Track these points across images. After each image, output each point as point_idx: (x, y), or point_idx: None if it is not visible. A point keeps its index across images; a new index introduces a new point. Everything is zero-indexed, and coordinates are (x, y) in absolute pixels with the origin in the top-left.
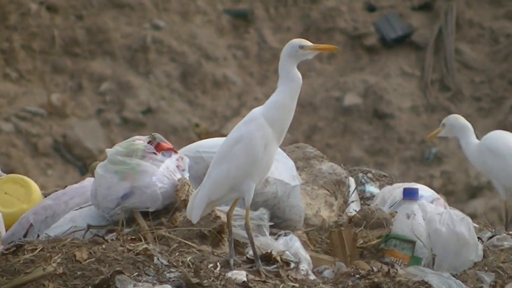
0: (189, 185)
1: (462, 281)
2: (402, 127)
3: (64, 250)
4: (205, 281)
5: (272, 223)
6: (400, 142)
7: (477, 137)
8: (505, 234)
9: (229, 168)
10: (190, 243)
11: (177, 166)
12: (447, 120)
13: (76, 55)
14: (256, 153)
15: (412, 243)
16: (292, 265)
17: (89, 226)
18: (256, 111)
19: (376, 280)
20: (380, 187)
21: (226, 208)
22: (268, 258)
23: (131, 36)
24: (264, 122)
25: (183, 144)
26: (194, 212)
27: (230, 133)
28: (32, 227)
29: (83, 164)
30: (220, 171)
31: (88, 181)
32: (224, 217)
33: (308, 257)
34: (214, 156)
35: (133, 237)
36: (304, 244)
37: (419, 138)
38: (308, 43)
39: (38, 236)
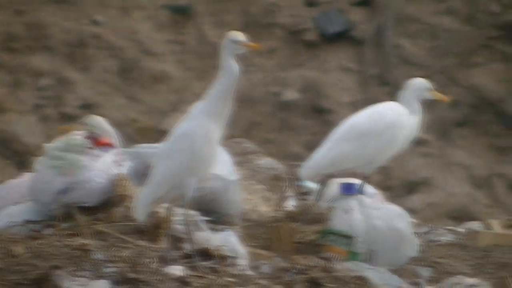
0: (127, 180)
1: (399, 276)
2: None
3: (1, 244)
4: (142, 276)
5: (210, 218)
6: None
7: None
8: (442, 230)
9: (171, 166)
10: (127, 238)
11: (114, 161)
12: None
13: (15, 50)
14: (197, 150)
15: (350, 238)
16: (230, 260)
17: (27, 221)
18: (197, 106)
19: (313, 275)
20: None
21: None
22: (205, 253)
23: (70, 31)
24: (204, 118)
25: (121, 139)
26: (140, 211)
27: (174, 129)
28: None
29: (22, 160)
30: (163, 169)
31: (27, 176)
32: (161, 212)
33: (246, 252)
34: (158, 154)
35: (70, 232)
36: (241, 239)
37: None
38: (240, 38)
39: None
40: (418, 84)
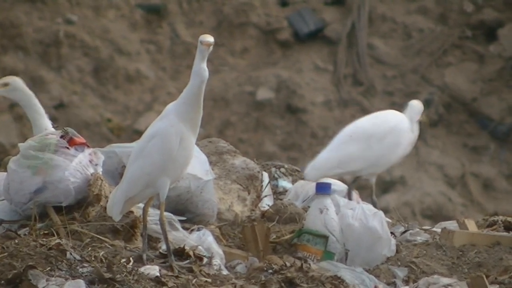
0: (102, 180)
1: (375, 276)
2: (314, 122)
3: None
4: (118, 276)
5: (185, 218)
6: (312, 137)
7: None
8: (418, 229)
9: (144, 165)
10: (102, 237)
11: (90, 161)
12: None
13: None
14: (170, 149)
15: (325, 238)
16: (205, 260)
17: (2, 221)
18: (169, 106)
19: (289, 275)
20: (293, 181)
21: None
22: (181, 253)
23: (43, 30)
24: (175, 118)
25: (96, 139)
26: (114, 209)
27: (147, 129)
28: None
29: None
30: (136, 168)
31: (1, 176)
32: (137, 212)
33: (221, 252)
34: (131, 153)
35: (45, 232)
36: (217, 239)
37: (331, 133)
38: (206, 39)
39: None
40: (417, 107)
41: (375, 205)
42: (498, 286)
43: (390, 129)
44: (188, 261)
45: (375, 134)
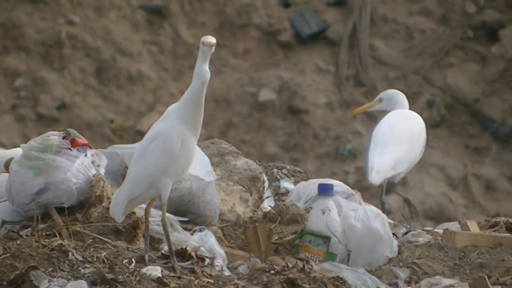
0: (104, 181)
1: (377, 277)
2: (316, 123)
3: None
4: (120, 276)
5: (187, 219)
6: (314, 138)
7: None
8: (420, 230)
9: (146, 166)
10: (105, 238)
11: (92, 162)
12: (385, 94)
13: None
14: (172, 150)
15: (327, 239)
16: (207, 261)
17: (4, 222)
18: (171, 108)
19: (291, 276)
20: (295, 183)
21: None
22: (183, 254)
23: (45, 31)
24: (176, 119)
25: (98, 140)
26: (116, 211)
27: (149, 130)
28: None
29: None
30: (138, 168)
31: (3, 176)
32: (139, 213)
33: (223, 253)
34: (134, 154)
35: (48, 232)
36: (219, 239)
37: (333, 134)
38: (208, 40)
39: None
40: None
41: (383, 206)
42: (500, 287)
43: (421, 128)
44: (190, 262)
45: (414, 134)
